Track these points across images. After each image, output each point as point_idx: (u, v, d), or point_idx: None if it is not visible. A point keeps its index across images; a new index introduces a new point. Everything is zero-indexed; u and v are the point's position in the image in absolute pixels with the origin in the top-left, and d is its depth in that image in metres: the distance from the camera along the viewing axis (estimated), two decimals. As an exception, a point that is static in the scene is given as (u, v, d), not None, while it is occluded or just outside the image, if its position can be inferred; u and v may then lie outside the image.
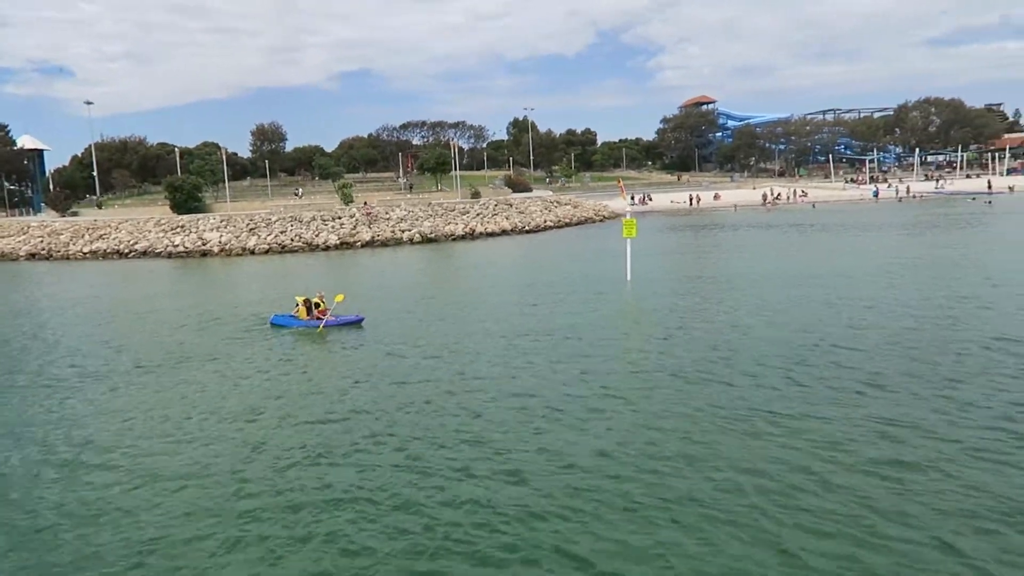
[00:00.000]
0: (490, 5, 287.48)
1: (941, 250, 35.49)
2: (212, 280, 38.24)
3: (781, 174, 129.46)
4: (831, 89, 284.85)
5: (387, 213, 58.36)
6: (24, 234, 60.77)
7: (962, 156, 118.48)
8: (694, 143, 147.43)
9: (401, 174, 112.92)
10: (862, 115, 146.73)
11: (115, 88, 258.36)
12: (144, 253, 53.36)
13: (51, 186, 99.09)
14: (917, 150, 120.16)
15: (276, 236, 53.28)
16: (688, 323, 20.51)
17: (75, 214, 73.28)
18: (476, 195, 73.57)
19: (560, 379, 15.41)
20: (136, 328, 23.87)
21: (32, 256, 56.12)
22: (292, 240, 52.76)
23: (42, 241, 58.19)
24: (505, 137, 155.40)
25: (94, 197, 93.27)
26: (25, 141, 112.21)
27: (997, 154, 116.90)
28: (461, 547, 8.77)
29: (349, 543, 9.00)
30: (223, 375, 17.17)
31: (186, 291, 33.61)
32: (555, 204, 72.31)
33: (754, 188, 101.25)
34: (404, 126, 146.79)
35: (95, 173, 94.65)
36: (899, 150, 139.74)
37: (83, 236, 57.59)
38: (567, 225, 65.95)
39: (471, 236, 56.44)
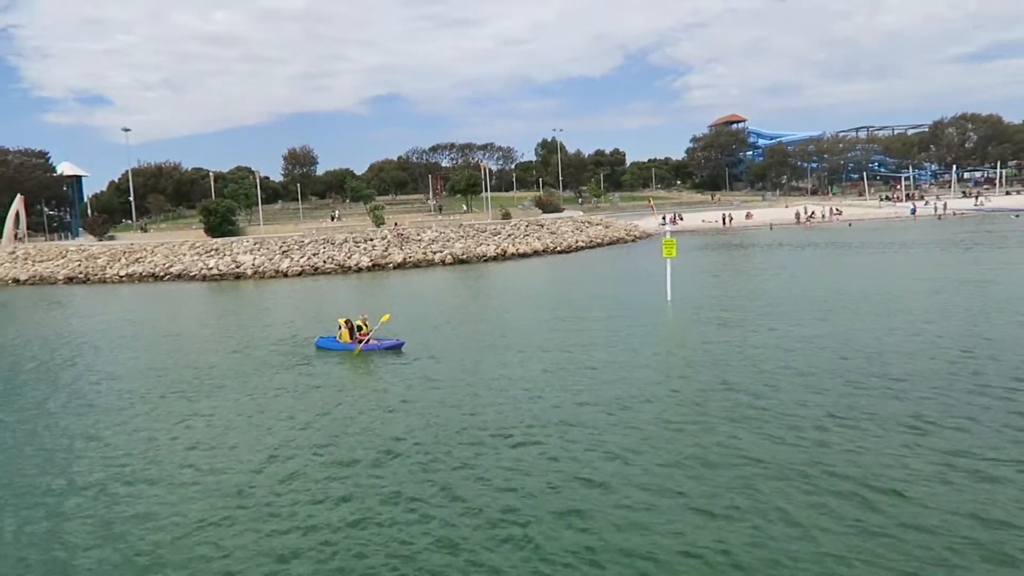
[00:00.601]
0: (517, 30, 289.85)
1: (991, 269, 34.26)
2: (249, 302, 38.24)
3: (814, 192, 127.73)
4: (861, 107, 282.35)
5: (418, 235, 58.32)
6: (63, 258, 61.69)
7: (1001, 172, 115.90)
8: (724, 162, 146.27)
9: (431, 196, 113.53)
10: (896, 132, 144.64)
11: (151, 116, 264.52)
12: (179, 276, 53.77)
13: (89, 211, 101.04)
14: (954, 167, 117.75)
15: (309, 258, 53.41)
16: (734, 347, 19.78)
17: (112, 238, 74.42)
18: (507, 216, 73.37)
19: (605, 408, 14.80)
20: (175, 352, 23.72)
21: (70, 280, 56.88)
22: (325, 262, 52.83)
23: (80, 265, 58.99)
24: (533, 158, 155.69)
25: (136, 221, 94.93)
26: (65, 168, 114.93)
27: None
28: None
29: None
30: (263, 399, 16.82)
31: (225, 314, 33.59)
32: (586, 224, 71.79)
33: (787, 207, 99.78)
34: (433, 148, 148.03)
35: (132, 198, 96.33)
36: (935, 167, 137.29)
37: (119, 260, 58.29)
38: (599, 245, 65.32)
39: (503, 257, 56.09)
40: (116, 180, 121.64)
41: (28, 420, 16.39)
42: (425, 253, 54.73)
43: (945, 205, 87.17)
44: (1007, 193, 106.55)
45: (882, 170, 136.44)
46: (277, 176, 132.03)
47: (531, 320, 25.89)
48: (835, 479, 10.64)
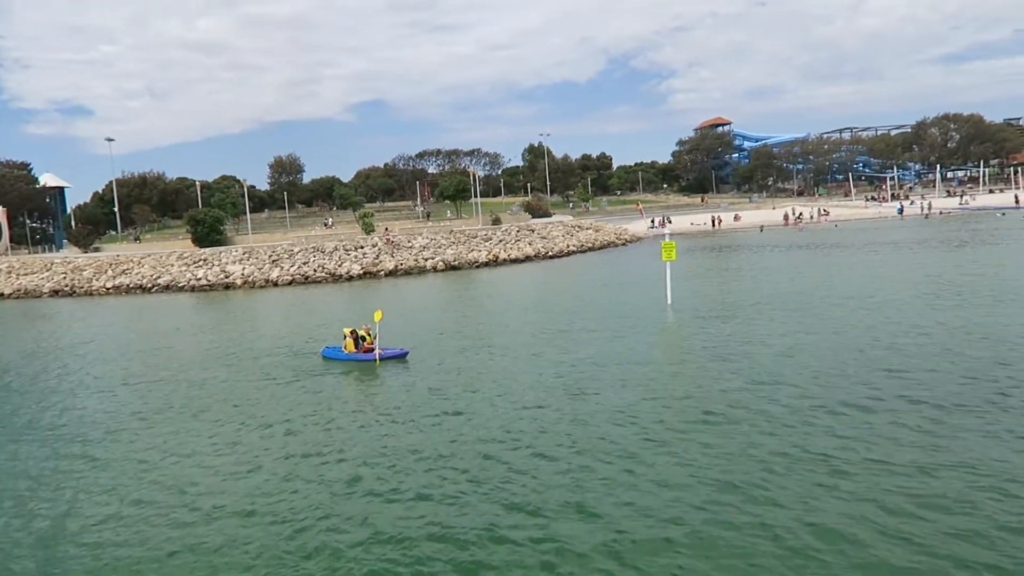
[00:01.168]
0: (500, 36, 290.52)
1: (983, 266, 34.35)
2: (242, 313, 37.70)
3: (800, 194, 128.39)
4: (844, 108, 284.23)
5: (409, 241, 57.92)
6: (48, 271, 60.76)
7: (984, 171, 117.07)
8: (710, 165, 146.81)
9: (418, 202, 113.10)
10: (879, 133, 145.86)
11: (134, 125, 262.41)
12: (167, 287, 53.03)
13: (73, 223, 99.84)
14: (938, 166, 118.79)
15: (299, 267, 52.87)
16: (738, 349, 19.56)
17: (97, 250, 73.48)
18: (497, 222, 73.11)
19: (613, 413, 14.51)
20: (173, 366, 23.21)
21: (56, 293, 55.99)
22: (315, 271, 52.31)
23: (65, 277, 58.11)
24: (520, 163, 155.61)
25: (122, 232, 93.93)
26: (47, 179, 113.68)
27: (1020, 168, 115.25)
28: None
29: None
30: (271, 412, 16.38)
31: (219, 325, 33.04)
32: (577, 229, 71.68)
33: (774, 208, 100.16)
34: (420, 155, 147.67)
35: (116, 209, 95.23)
36: (918, 167, 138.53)
37: (106, 272, 57.46)
38: (590, 250, 65.23)
39: (495, 263, 55.81)
40: (100, 191, 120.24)
41: (15, 440, 15.87)
42: (417, 260, 54.34)
43: (930, 204, 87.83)
44: (991, 191, 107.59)
45: (867, 171, 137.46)
46: (263, 184, 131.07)
47: (532, 326, 25.58)
48: (872, 490, 10.41)
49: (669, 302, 27.73)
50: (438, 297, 39.48)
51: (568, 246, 63.69)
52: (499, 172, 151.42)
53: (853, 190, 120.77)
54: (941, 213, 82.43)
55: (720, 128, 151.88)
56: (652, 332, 23.36)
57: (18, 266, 63.92)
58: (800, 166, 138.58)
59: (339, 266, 52.82)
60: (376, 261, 53.68)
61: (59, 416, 17.63)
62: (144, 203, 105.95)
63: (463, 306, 34.54)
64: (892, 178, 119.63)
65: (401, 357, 20.80)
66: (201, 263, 55.77)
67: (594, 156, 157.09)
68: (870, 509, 9.65)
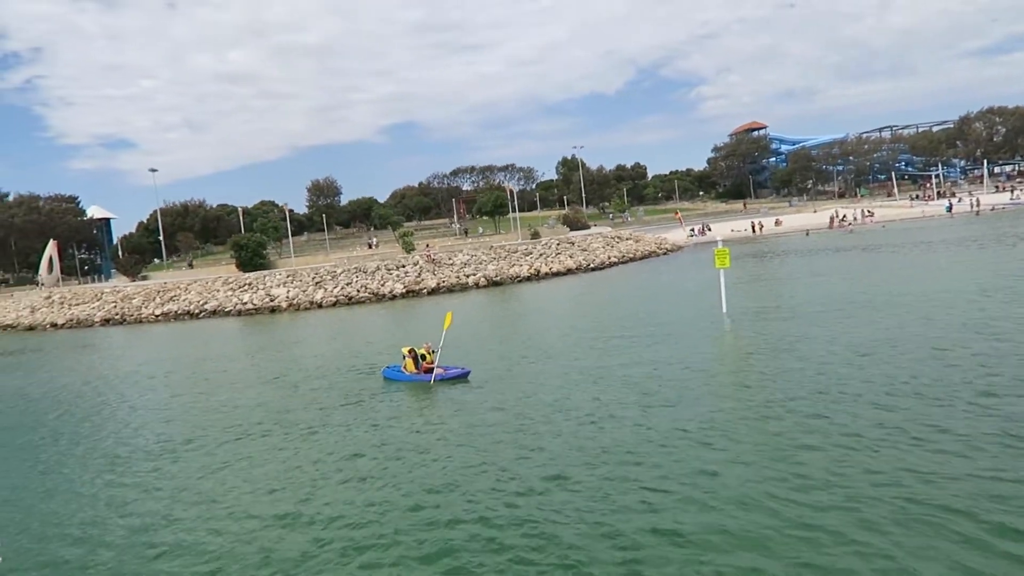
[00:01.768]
0: (526, 52, 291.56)
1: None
2: (291, 335, 37.79)
3: (841, 195, 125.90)
4: (879, 107, 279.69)
5: (450, 259, 57.87)
6: (98, 300, 62.08)
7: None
8: (747, 170, 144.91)
9: (455, 219, 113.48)
10: (920, 130, 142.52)
11: (174, 156, 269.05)
12: (214, 313, 53.70)
13: (120, 252, 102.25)
14: (985, 161, 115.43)
15: (342, 288, 53.09)
16: (802, 358, 18.75)
17: (145, 278, 74.92)
18: (536, 235, 72.83)
19: (692, 430, 13.92)
20: (232, 390, 23.18)
21: (107, 321, 57.08)
22: (358, 291, 52.47)
23: (115, 306, 59.25)
24: (554, 177, 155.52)
25: (174, 258, 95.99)
26: (94, 211, 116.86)
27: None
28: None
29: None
30: (329, 437, 16.09)
31: (271, 348, 33.13)
32: (616, 240, 71.02)
33: (815, 211, 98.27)
34: (454, 172, 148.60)
35: (161, 237, 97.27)
36: (963, 163, 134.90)
37: (154, 299, 58.45)
38: (631, 260, 64.51)
39: (537, 277, 55.44)
40: (144, 220, 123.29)
41: (82, 466, 15.83)
42: (458, 277, 54.20)
43: (979, 201, 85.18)
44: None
45: (909, 169, 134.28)
46: (301, 208, 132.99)
47: (586, 340, 25.02)
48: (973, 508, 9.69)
49: (724, 310, 26.97)
50: (484, 313, 39.14)
51: (609, 257, 63.08)
52: (534, 186, 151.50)
53: (896, 189, 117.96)
54: (993, 209, 79.84)
55: (756, 132, 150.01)
56: (711, 342, 22.64)
57: (70, 296, 65.45)
58: (840, 167, 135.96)
59: (382, 285, 52.92)
60: (418, 279, 53.67)
61: (119, 443, 17.58)
62: (187, 231, 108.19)
63: (512, 321, 34.16)
64: (937, 175, 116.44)
65: (463, 377, 20.32)
66: (246, 287, 56.39)
67: (628, 166, 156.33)
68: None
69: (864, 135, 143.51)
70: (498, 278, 54.25)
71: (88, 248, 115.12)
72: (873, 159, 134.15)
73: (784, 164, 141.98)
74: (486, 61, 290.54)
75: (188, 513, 12.36)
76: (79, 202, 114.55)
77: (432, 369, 20.38)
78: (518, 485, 11.93)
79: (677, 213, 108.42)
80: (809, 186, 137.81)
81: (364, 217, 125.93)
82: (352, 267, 57.14)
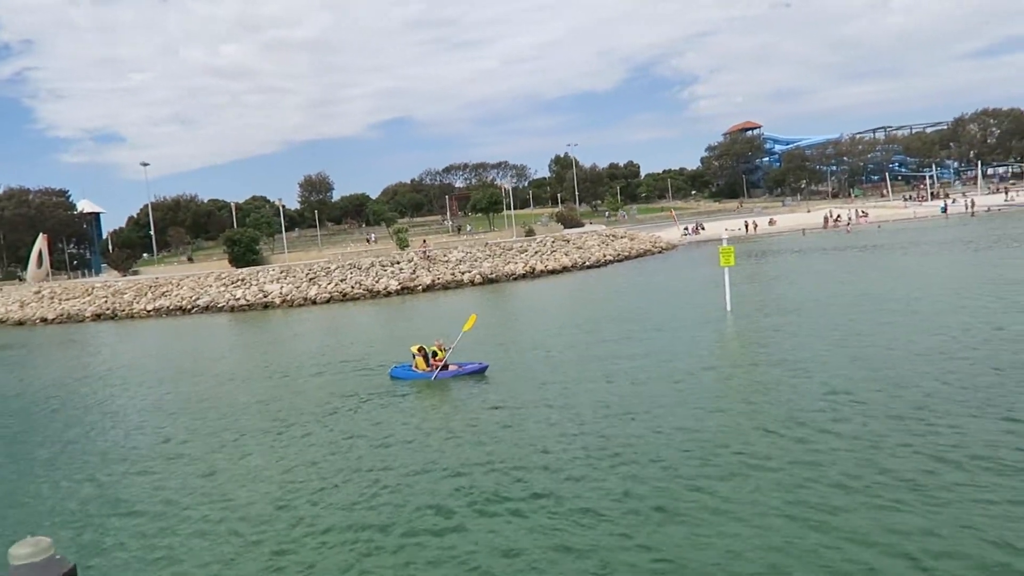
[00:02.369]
0: (522, 49, 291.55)
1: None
2: (287, 332, 37.25)
3: (835, 196, 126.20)
4: (874, 107, 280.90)
5: (444, 256, 57.42)
6: (89, 295, 61.22)
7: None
8: (741, 169, 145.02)
9: (447, 216, 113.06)
10: (914, 131, 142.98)
11: (165, 151, 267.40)
12: (206, 308, 53.03)
13: (110, 247, 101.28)
14: (979, 163, 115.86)
15: (336, 284, 52.54)
16: (812, 356, 18.48)
17: (136, 273, 74.15)
18: (530, 233, 72.51)
19: (705, 430, 13.61)
20: (234, 388, 22.72)
21: (98, 316, 56.30)
22: (353, 288, 51.93)
23: (106, 301, 58.45)
24: (547, 175, 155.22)
25: (165, 252, 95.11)
26: (84, 205, 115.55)
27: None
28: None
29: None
30: (346, 436, 15.69)
31: (268, 345, 32.65)
32: (611, 238, 70.75)
33: (808, 211, 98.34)
34: (447, 169, 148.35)
35: (152, 232, 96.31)
36: (957, 164, 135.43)
37: (146, 294, 57.71)
38: (626, 258, 64.23)
39: (532, 275, 55.08)
40: (135, 215, 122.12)
41: (81, 464, 15.37)
42: (454, 274, 53.77)
43: (973, 202, 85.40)
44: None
45: (903, 170, 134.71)
46: (292, 203, 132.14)
47: (590, 338, 24.63)
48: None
49: (728, 308, 26.70)
50: (481, 310, 38.65)
51: (604, 255, 62.78)
52: (526, 184, 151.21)
53: (890, 190, 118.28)
54: (988, 210, 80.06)
55: (750, 132, 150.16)
56: (717, 340, 22.38)
57: (60, 291, 64.54)
58: (834, 168, 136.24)
59: (376, 282, 52.42)
60: (413, 276, 53.20)
61: (116, 440, 17.13)
62: (179, 225, 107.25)
63: (511, 319, 33.82)
64: (931, 176, 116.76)
65: (480, 372, 19.80)
66: (239, 283, 55.73)
67: (621, 164, 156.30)
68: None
69: (858, 136, 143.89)
70: (493, 275, 53.84)
71: (78, 243, 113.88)
72: (867, 160, 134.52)
73: (778, 164, 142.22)
74: (482, 57, 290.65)
75: (189, 513, 11.94)
76: (69, 196, 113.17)
77: (447, 366, 19.90)
78: (525, 488, 11.57)
79: (672, 212, 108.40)
80: (803, 186, 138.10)
81: (356, 213, 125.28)
82: (346, 263, 56.60)
